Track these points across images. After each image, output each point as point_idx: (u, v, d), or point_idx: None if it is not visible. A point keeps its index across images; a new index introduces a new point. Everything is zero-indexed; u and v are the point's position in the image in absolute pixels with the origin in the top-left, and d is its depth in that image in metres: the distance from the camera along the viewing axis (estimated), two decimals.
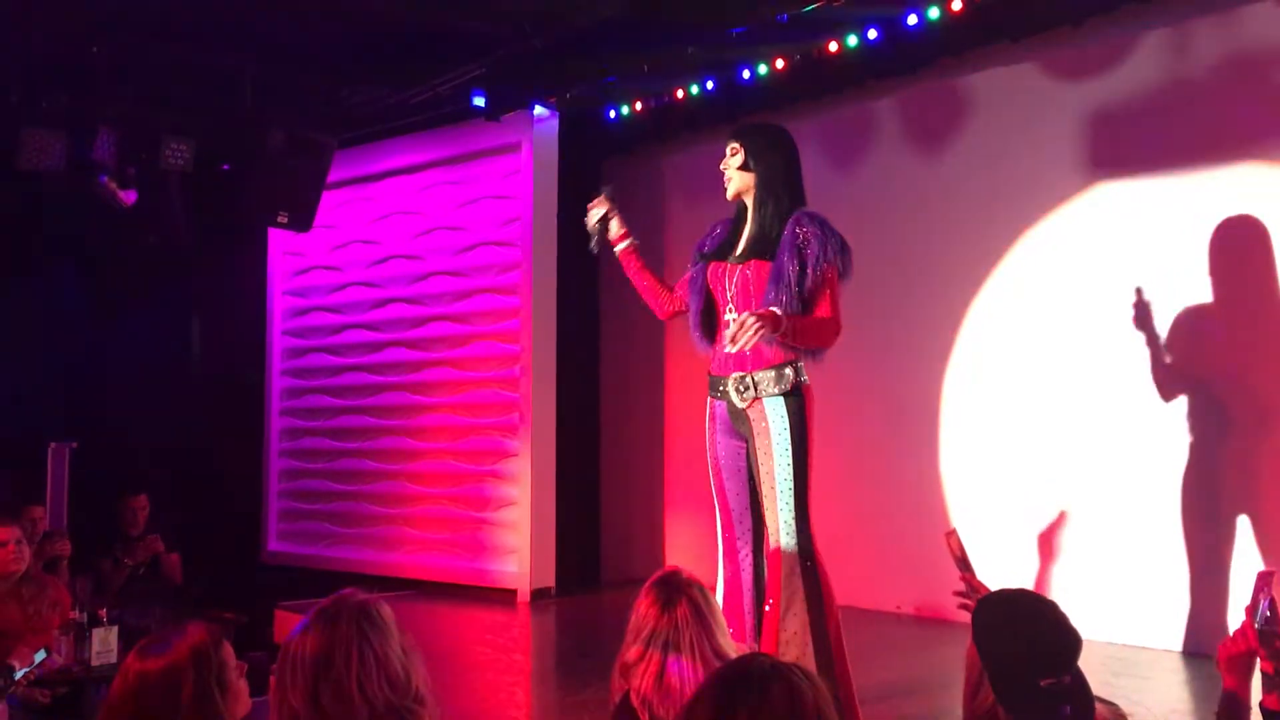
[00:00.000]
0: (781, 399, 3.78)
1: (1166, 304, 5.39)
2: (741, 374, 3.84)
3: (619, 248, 4.22)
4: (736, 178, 3.98)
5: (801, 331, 3.71)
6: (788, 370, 3.79)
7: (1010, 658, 1.97)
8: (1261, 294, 5.15)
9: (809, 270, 3.74)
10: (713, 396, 3.98)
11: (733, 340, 3.59)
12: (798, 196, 3.96)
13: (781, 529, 3.75)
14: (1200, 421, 5.29)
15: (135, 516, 6.57)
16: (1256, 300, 5.17)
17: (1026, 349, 5.92)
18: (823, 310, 3.76)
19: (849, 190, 6.67)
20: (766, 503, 3.80)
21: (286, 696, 2.02)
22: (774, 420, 3.78)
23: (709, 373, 4.02)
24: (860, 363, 6.43)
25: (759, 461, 3.82)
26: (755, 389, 3.81)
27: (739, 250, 3.95)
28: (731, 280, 3.91)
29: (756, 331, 3.53)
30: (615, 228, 4.20)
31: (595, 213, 4.20)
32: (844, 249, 3.81)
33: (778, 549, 3.76)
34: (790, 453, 3.76)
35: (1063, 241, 5.80)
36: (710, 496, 4.04)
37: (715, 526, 4.03)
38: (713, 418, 4.00)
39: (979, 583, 2.73)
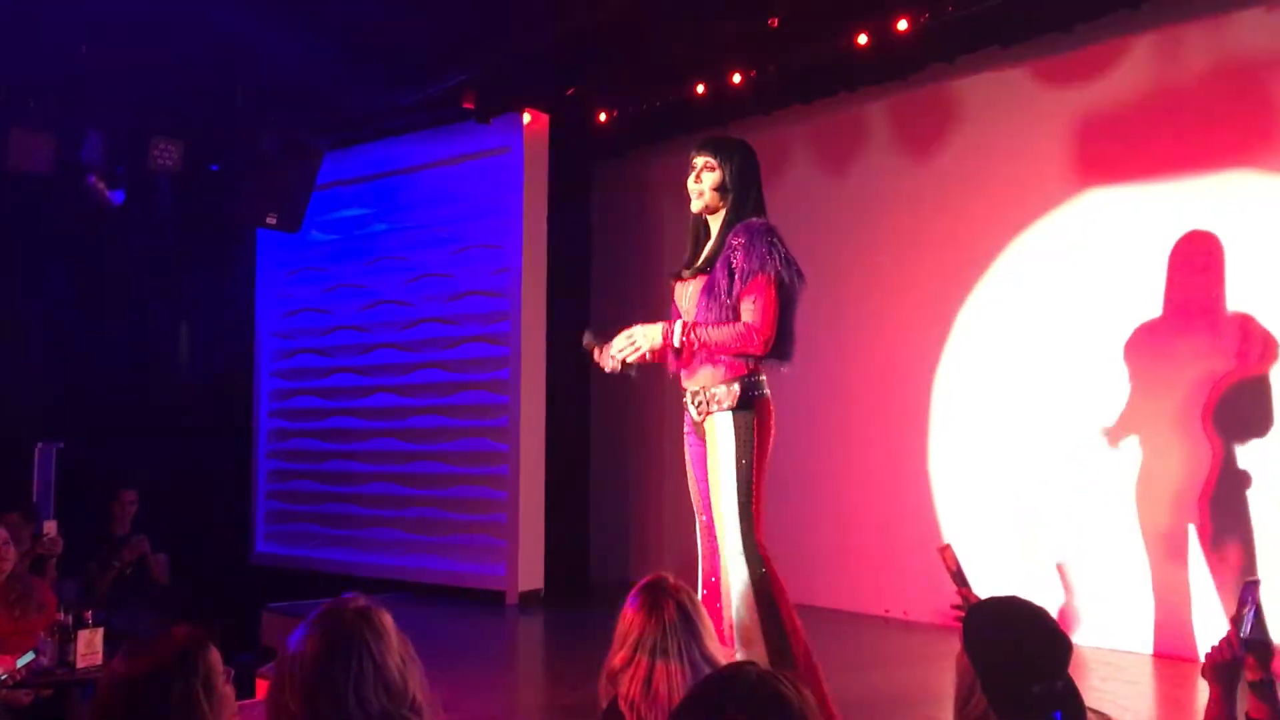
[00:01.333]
0: (730, 415, 3.78)
1: (1154, 310, 5.41)
2: (695, 389, 3.88)
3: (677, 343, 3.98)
4: (710, 196, 3.93)
5: (707, 341, 3.72)
6: (736, 385, 3.80)
7: (1002, 663, 1.98)
8: (1242, 299, 5.17)
9: (735, 279, 3.74)
10: (685, 404, 4.05)
11: (614, 353, 3.76)
12: (759, 212, 3.96)
13: (729, 542, 3.78)
14: (1188, 427, 5.31)
15: (124, 511, 6.55)
16: (1239, 305, 5.19)
17: (1016, 354, 5.93)
18: (745, 315, 3.73)
19: (838, 195, 6.69)
20: (715, 515, 3.83)
21: (283, 699, 2.01)
22: (722, 436, 3.79)
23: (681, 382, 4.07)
24: (850, 367, 6.45)
25: (710, 476, 3.85)
26: (708, 404, 3.84)
27: (695, 265, 3.97)
28: (685, 296, 3.94)
29: (635, 349, 3.76)
30: (611, 361, 4.00)
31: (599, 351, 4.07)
32: (772, 254, 3.73)
33: (726, 563, 3.80)
34: (735, 467, 3.77)
35: (1052, 247, 5.81)
36: None
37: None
38: (686, 423, 4.06)
39: (975, 596, 2.73)
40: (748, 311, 3.71)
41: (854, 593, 6.42)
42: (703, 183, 3.93)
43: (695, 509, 4.05)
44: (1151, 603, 5.32)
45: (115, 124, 6.68)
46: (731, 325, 3.71)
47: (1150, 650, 5.29)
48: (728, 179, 3.90)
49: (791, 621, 3.73)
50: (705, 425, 3.87)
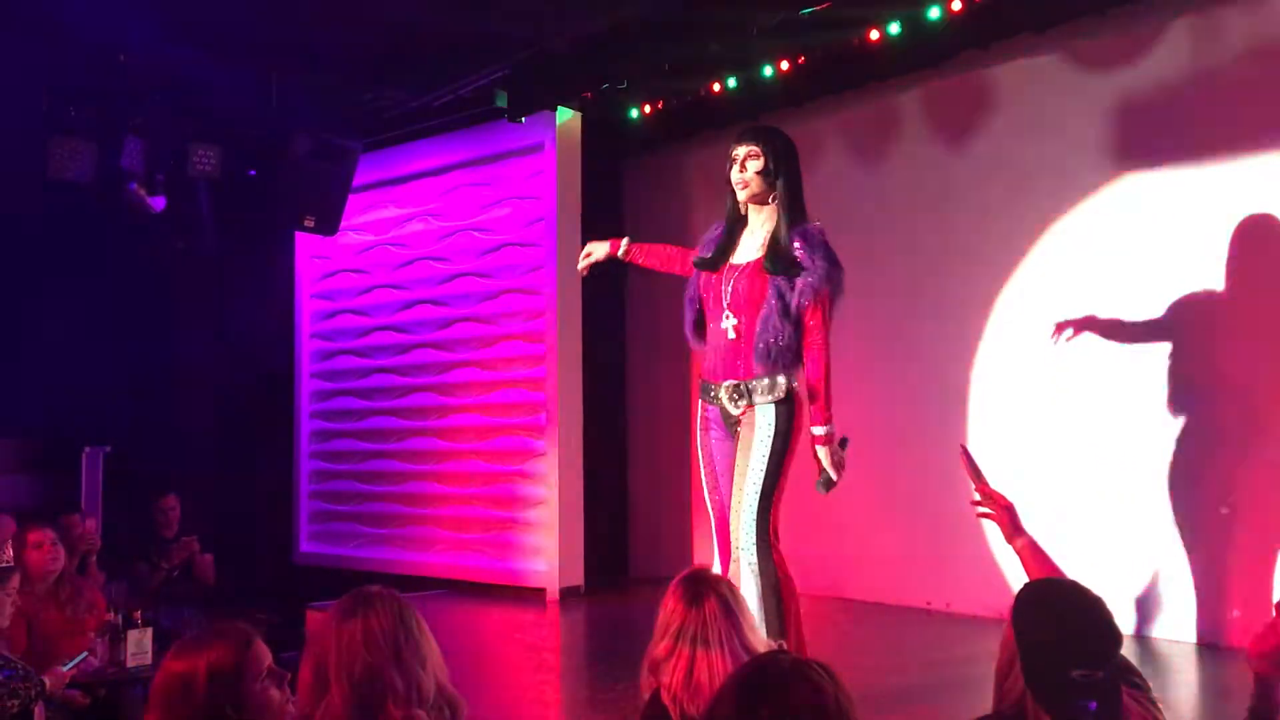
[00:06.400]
0: (772, 406, 3.87)
1: (1193, 296, 5.34)
2: (735, 382, 3.92)
3: (620, 254, 4.33)
4: (756, 182, 3.98)
5: (826, 393, 3.87)
6: (780, 378, 3.85)
7: (1045, 643, 1.93)
8: None
9: (809, 289, 3.83)
10: (705, 400, 4.08)
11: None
12: (803, 204, 4.01)
13: (743, 530, 3.84)
14: (1226, 412, 5.24)
15: (167, 517, 6.63)
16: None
17: (1053, 342, 5.88)
18: (813, 332, 3.87)
19: (873, 184, 6.65)
20: (733, 501, 3.88)
21: (323, 683, 2.05)
22: (761, 426, 3.86)
23: (701, 378, 4.12)
24: (887, 356, 6.42)
25: (738, 461, 3.89)
26: (749, 396, 3.88)
27: (741, 257, 3.99)
28: (728, 284, 3.97)
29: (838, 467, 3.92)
30: (601, 252, 4.36)
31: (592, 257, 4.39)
32: (837, 269, 3.89)
33: (737, 551, 3.86)
34: (767, 458, 3.84)
35: (1089, 233, 5.76)
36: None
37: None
38: (705, 420, 4.11)
39: (995, 490, 2.83)
40: (816, 325, 3.85)
41: (896, 584, 6.39)
42: (747, 171, 3.98)
43: (711, 505, 4.10)
44: (1193, 590, 5.26)
45: (154, 131, 6.76)
46: (820, 350, 3.86)
47: (1193, 639, 5.22)
48: (771, 164, 3.96)
49: (791, 615, 3.79)
50: (744, 417, 3.90)
